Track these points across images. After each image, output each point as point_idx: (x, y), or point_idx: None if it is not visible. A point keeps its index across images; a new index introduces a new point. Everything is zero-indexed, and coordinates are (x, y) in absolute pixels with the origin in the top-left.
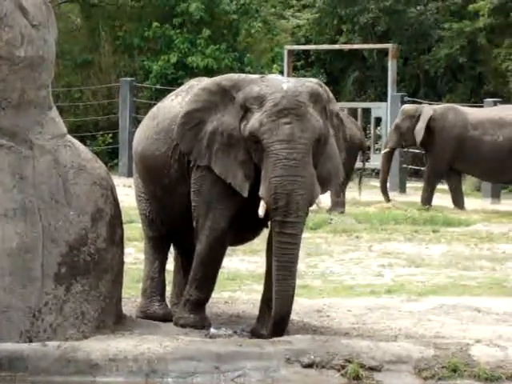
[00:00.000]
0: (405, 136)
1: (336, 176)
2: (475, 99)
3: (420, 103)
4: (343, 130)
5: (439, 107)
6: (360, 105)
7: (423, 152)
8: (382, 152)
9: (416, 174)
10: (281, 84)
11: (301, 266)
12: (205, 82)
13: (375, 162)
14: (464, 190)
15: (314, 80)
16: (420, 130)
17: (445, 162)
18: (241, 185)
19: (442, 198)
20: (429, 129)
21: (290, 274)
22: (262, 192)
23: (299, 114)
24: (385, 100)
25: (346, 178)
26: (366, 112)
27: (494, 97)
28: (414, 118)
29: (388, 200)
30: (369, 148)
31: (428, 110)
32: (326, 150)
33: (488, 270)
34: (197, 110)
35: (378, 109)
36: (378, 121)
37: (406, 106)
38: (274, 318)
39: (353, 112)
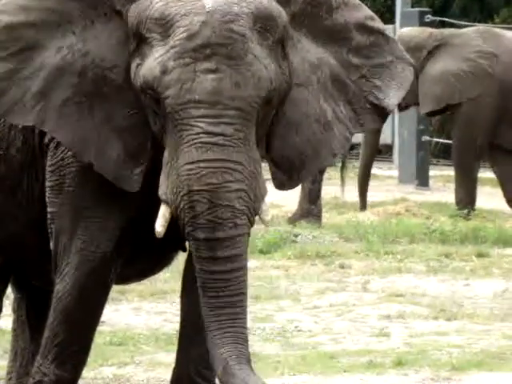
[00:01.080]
0: None
1: (315, 156)
2: None
3: (452, 26)
4: (394, 46)
5: (480, 31)
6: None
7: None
8: None
9: (445, 155)
10: None
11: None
12: None
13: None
14: None
15: None
16: (441, 78)
17: (483, 132)
18: (114, 169)
19: (492, 193)
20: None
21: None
22: (162, 190)
23: (233, 56)
24: (390, 20)
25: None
26: None
27: None
28: (422, 52)
29: (364, 206)
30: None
31: (459, 36)
32: (286, 114)
33: None
34: (28, 24)
35: None
36: None
37: (406, 31)
38: None
39: None
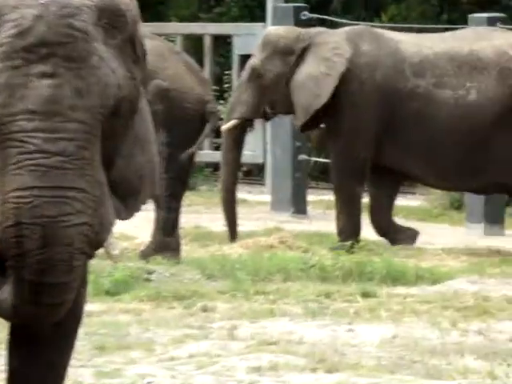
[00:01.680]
0: (270, 94)
1: (151, 182)
2: (451, 14)
3: (333, 25)
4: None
5: (350, 31)
6: (208, 28)
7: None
8: (224, 127)
9: (326, 177)
10: None
11: (85, 378)
12: None
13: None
14: (430, 206)
15: None
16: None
17: (365, 148)
18: None
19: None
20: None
21: None
22: None
23: (74, 58)
24: (261, 18)
25: (180, 184)
26: (223, 43)
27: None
28: (292, 56)
29: (234, 236)
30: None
31: (321, 34)
32: (135, 129)
33: (479, 376)
34: None
35: (247, 37)
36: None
37: (273, 31)
38: None
39: (193, 44)
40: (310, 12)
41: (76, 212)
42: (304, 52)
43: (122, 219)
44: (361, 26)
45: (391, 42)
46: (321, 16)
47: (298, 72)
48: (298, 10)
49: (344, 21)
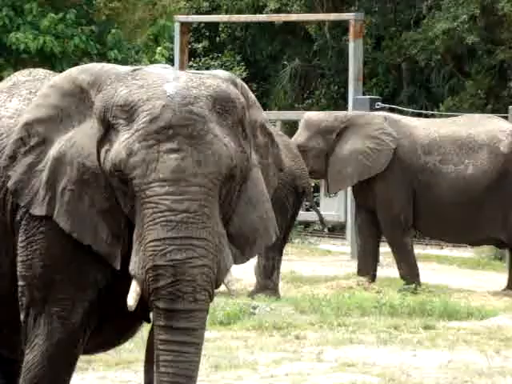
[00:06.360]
0: (311, 165)
1: (265, 233)
2: (494, 105)
3: (401, 112)
4: (275, 153)
5: (382, 115)
6: (301, 115)
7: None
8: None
9: None
10: (163, 84)
11: None
12: (59, 75)
13: (328, 210)
14: (478, 257)
15: (224, 74)
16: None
17: (401, 208)
18: (107, 250)
19: (443, 270)
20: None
21: None
22: (132, 265)
23: (194, 136)
24: (344, 106)
25: (282, 241)
26: None
27: None
28: (332, 134)
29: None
30: (314, 188)
31: (363, 117)
32: (247, 192)
33: None
34: (38, 120)
35: None
36: None
37: (314, 115)
38: None
39: (290, 128)
40: (382, 102)
41: (199, 256)
42: (343, 131)
43: (238, 264)
44: (381, 113)
45: (406, 127)
46: (391, 106)
47: (339, 147)
48: (373, 101)
49: (410, 109)
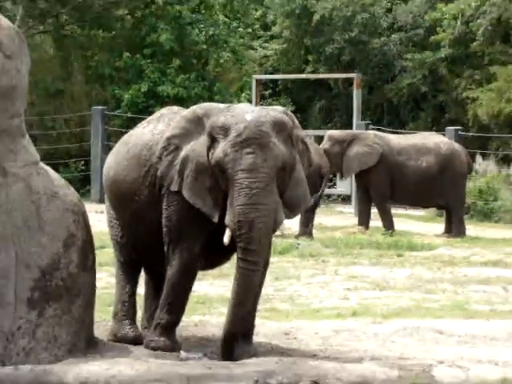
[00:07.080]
0: (333, 162)
1: (305, 200)
2: (437, 127)
3: (384, 131)
4: (308, 155)
5: (374, 133)
6: (326, 132)
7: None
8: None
9: None
10: (245, 114)
11: (269, 290)
12: (186, 110)
13: (341, 187)
14: (427, 215)
15: (280, 108)
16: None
17: (387, 188)
18: (210, 211)
19: (407, 222)
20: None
21: (246, 300)
22: (227, 219)
23: (262, 144)
24: (350, 128)
25: (314, 205)
26: None
27: (455, 125)
28: (345, 143)
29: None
30: (334, 174)
31: (362, 133)
32: (294, 177)
33: (450, 293)
34: (174, 136)
35: None
36: None
37: (336, 132)
38: (223, 337)
39: (319, 140)
40: (372, 125)
41: (264, 215)
42: (351, 142)
43: (289, 219)
44: (372, 132)
45: (387, 139)
46: (378, 127)
47: (349, 151)
48: (367, 125)
49: (389, 129)
